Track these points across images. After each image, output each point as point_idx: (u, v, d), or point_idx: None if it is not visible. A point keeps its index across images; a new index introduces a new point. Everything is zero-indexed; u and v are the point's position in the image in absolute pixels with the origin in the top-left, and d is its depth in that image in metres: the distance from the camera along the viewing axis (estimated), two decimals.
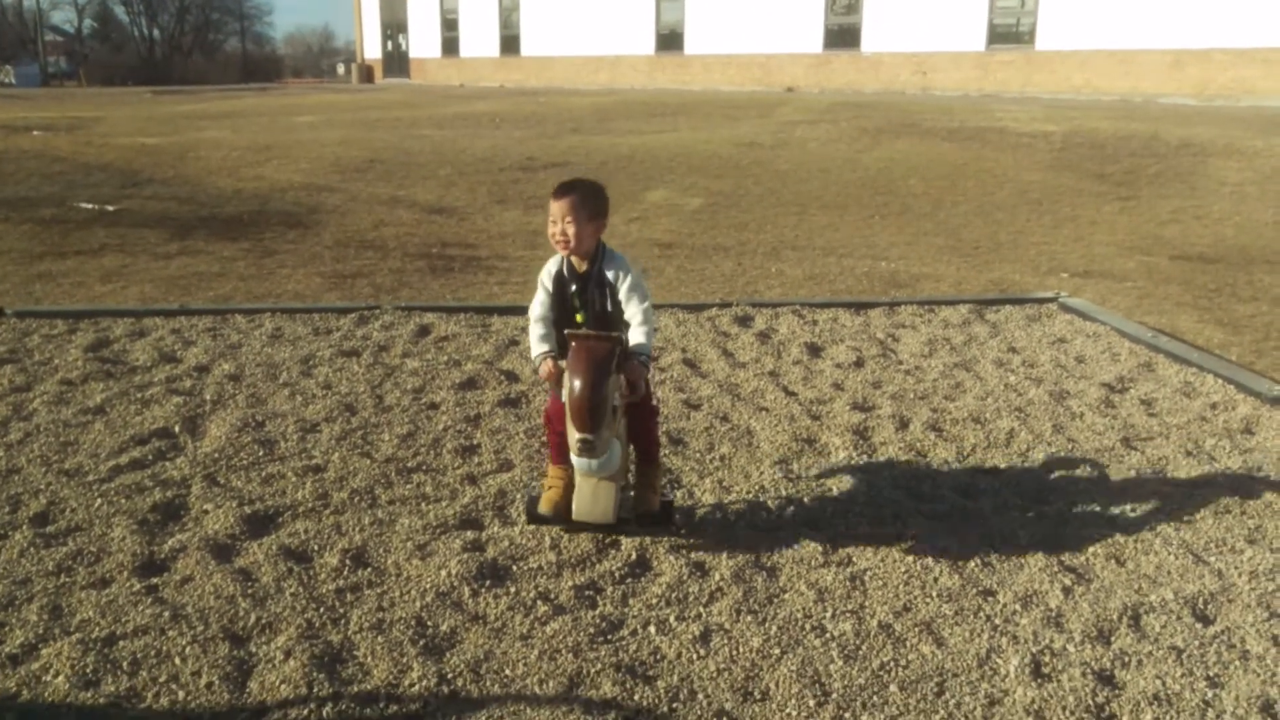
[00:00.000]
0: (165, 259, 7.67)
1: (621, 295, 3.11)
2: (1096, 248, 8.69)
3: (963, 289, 7.10)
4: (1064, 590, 2.98)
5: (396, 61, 39.72)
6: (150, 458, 3.80)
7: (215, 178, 12.17)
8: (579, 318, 3.15)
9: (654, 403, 3.46)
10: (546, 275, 3.19)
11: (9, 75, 45.92)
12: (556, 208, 3.04)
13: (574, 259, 3.12)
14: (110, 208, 9.96)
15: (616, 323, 3.14)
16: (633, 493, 3.31)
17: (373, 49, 40.91)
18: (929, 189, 11.71)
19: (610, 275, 3.11)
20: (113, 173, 12.39)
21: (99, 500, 3.43)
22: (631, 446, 3.31)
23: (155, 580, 2.95)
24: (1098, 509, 3.50)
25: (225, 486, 3.58)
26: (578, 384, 2.84)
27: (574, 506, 3.14)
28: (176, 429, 4.08)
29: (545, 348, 3.13)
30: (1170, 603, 2.91)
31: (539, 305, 3.19)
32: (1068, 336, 5.57)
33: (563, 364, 3.02)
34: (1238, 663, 2.63)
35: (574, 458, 3.02)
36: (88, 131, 16.73)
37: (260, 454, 3.87)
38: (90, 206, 9.89)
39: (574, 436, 2.90)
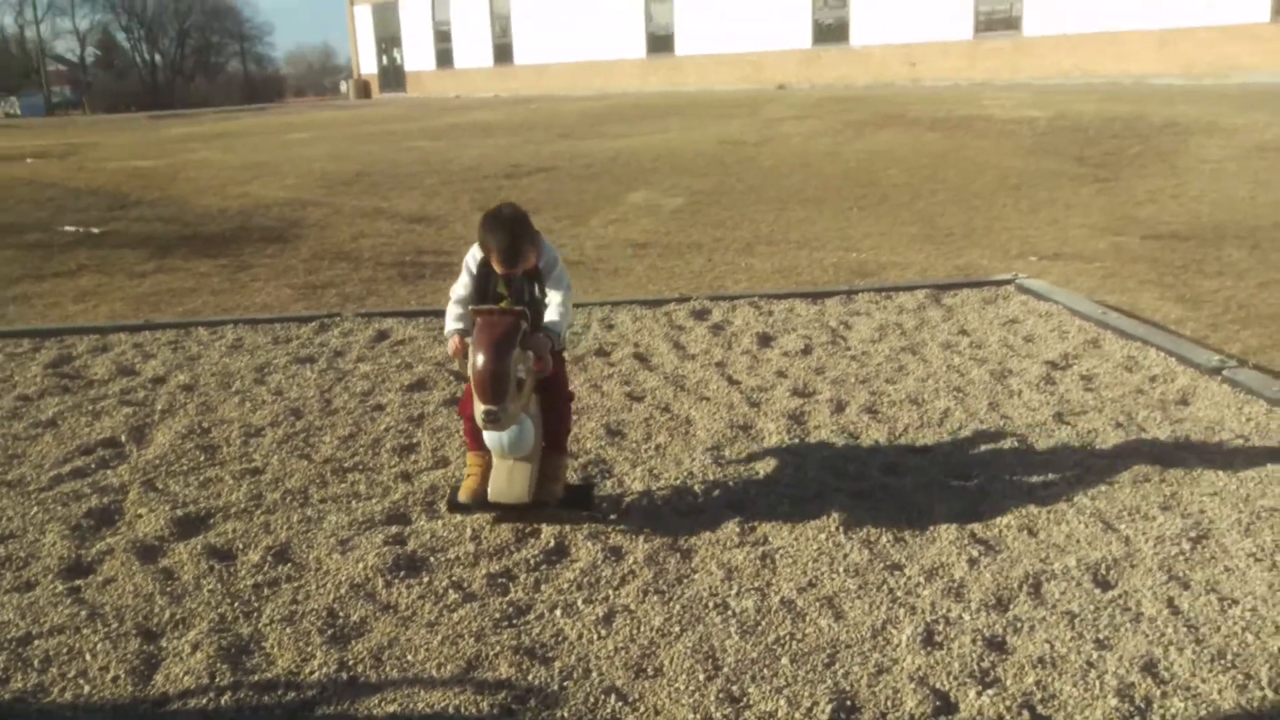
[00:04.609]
0: (140, 277, 7.78)
1: (548, 284, 3.24)
2: (1070, 230, 8.69)
3: (928, 275, 7.12)
4: (969, 561, 3.01)
5: (392, 75, 39.94)
6: (93, 466, 3.88)
7: (202, 197, 12.30)
8: (503, 304, 3.23)
9: (571, 392, 3.57)
10: (472, 260, 3.30)
11: (14, 106, 46.46)
12: (515, 244, 3.10)
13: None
14: (95, 230, 10.09)
15: (539, 309, 3.23)
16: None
17: (368, 64, 41.16)
18: (910, 179, 11.71)
19: (541, 265, 3.24)
20: (102, 196, 12.52)
21: (35, 508, 3.51)
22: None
23: (79, 582, 3.02)
24: (1019, 482, 3.53)
25: (162, 491, 3.66)
26: (480, 356, 2.92)
27: (490, 488, 3.22)
28: (123, 438, 4.16)
29: (456, 326, 3.24)
30: (1072, 570, 2.94)
31: (460, 288, 3.31)
32: (1020, 317, 5.60)
33: (469, 340, 3.07)
34: (1129, 625, 2.66)
35: (484, 434, 3.10)
36: (81, 157, 16.93)
37: (201, 459, 3.94)
38: (74, 230, 10.02)
39: (479, 409, 2.95)
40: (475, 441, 3.32)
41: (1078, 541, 3.11)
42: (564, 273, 3.28)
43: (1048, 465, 3.67)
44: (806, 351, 5.10)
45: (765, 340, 5.33)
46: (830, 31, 26.56)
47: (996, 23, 23.58)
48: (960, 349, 5.06)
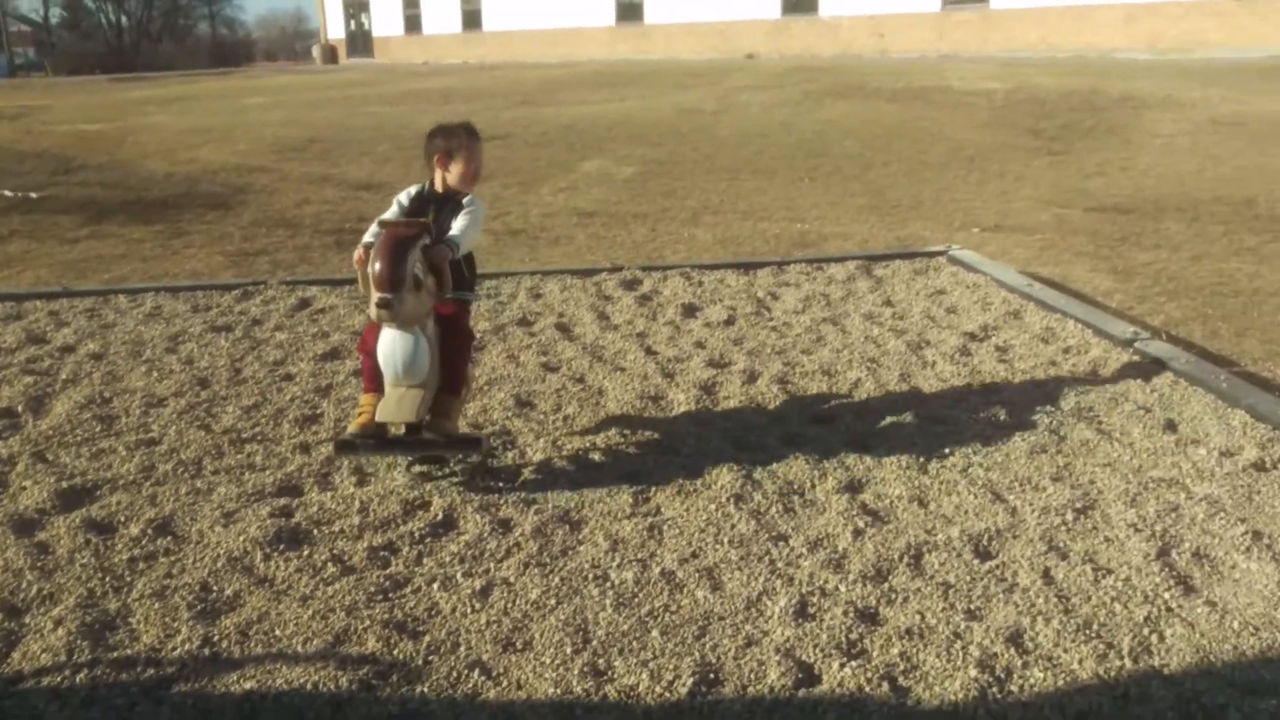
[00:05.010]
0: (71, 244, 7.64)
1: (463, 211, 3.39)
2: (1015, 202, 8.69)
3: (867, 247, 7.09)
4: (855, 532, 3.00)
5: (360, 41, 39.39)
6: None
7: (149, 161, 12.08)
8: None
9: (471, 331, 3.62)
10: (405, 195, 3.50)
11: None
12: (480, 148, 3.46)
13: (450, 184, 3.42)
14: (34, 195, 9.89)
15: None
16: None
17: (336, 29, 40.55)
18: (863, 150, 11.67)
19: (464, 200, 3.42)
20: (47, 160, 12.28)
21: None
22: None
23: None
24: (917, 454, 3.51)
25: (51, 463, 3.58)
26: (379, 254, 3.03)
27: (378, 412, 3.24)
28: (20, 408, 4.07)
29: (368, 241, 3.27)
30: (954, 540, 2.93)
31: (388, 214, 3.40)
32: (948, 289, 5.58)
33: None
34: (1002, 595, 2.66)
35: (379, 354, 3.20)
36: (30, 119, 16.60)
37: (97, 429, 3.87)
38: (10, 194, 9.82)
39: (374, 298, 3.04)
40: (372, 383, 3.37)
41: (965, 512, 3.11)
42: (481, 209, 3.45)
43: (949, 437, 3.66)
44: (729, 322, 5.07)
45: (690, 311, 5.29)
46: (799, 2, 26.38)
47: None
48: (882, 320, 5.04)
